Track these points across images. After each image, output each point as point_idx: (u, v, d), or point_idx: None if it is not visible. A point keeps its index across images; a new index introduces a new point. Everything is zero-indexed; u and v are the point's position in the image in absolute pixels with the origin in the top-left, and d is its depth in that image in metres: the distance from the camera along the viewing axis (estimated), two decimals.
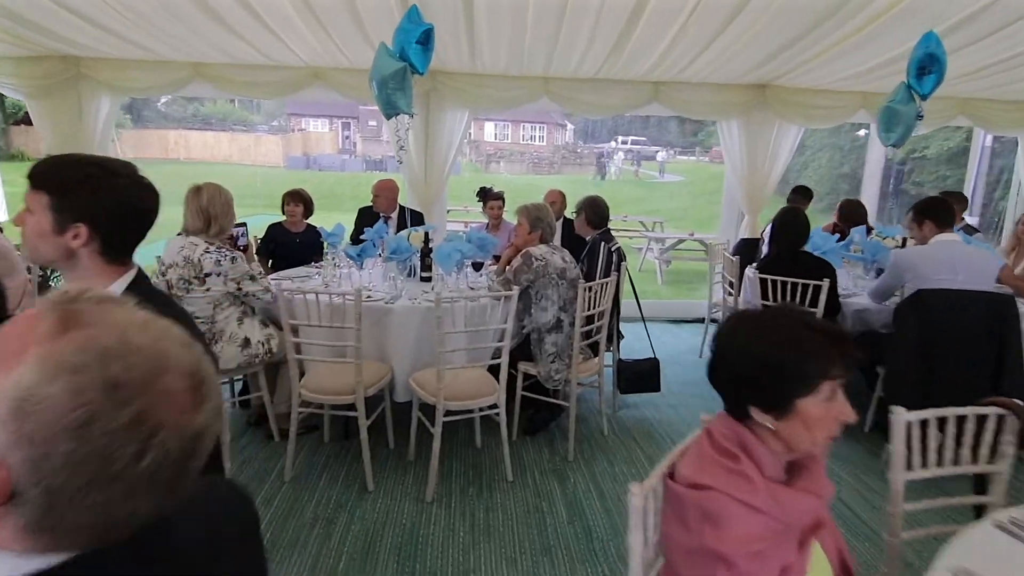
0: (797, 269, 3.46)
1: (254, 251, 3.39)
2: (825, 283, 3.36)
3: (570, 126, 42.71)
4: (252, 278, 3.04)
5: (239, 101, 44.07)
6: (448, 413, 2.76)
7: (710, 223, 16.55)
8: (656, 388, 3.65)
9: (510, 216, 4.79)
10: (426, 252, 3.73)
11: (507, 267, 3.44)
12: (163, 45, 4.66)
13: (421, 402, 2.96)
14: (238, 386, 3.67)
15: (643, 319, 4.08)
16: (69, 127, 5.27)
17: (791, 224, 3.60)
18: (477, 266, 3.72)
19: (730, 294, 4.59)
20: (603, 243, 3.63)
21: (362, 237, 4.19)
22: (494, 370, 2.94)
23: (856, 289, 3.86)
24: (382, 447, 3.24)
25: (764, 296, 3.55)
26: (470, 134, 7.20)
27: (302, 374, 2.91)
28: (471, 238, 3.73)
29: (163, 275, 2.88)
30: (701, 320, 5.65)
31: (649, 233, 10.42)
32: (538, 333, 3.19)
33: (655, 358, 3.68)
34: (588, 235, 3.76)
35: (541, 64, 4.86)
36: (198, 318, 2.88)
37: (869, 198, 6.30)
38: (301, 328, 2.89)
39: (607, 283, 3.28)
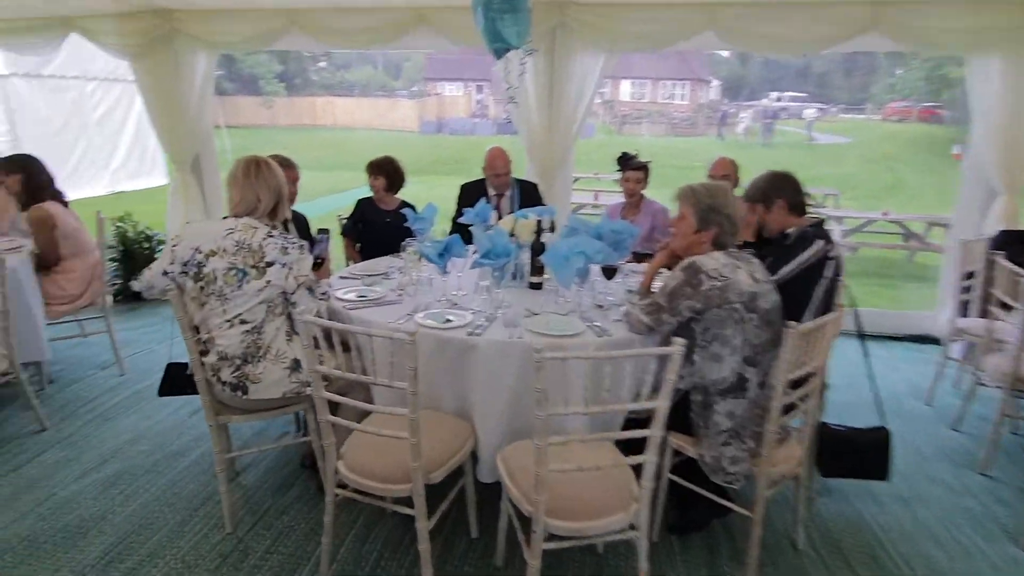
0: None
1: (329, 267, 2.55)
2: None
3: (715, 82, 38.70)
4: (311, 290, 2.21)
5: (382, 66, 45.58)
6: (552, 537, 1.70)
7: (893, 196, 13.64)
8: (882, 475, 2.31)
9: (655, 195, 3.62)
10: (538, 249, 2.66)
11: (652, 281, 2.27)
12: None
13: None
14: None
15: (861, 338, 2.59)
16: (168, 88, 4.87)
17: None
18: (609, 272, 2.57)
19: (989, 313, 3.00)
20: (817, 245, 2.26)
21: (460, 220, 3.22)
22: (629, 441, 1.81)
23: None
24: (461, 534, 2.29)
25: None
26: (603, 92, 5.81)
27: (343, 441, 2.01)
28: (601, 231, 2.58)
29: (197, 265, 2.10)
30: (921, 339, 4.04)
31: (823, 210, 8.41)
32: (703, 394, 2.00)
33: (883, 428, 2.32)
34: (788, 229, 2.40)
35: None
36: (245, 322, 2.11)
37: None
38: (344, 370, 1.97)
39: (831, 322, 1.97)
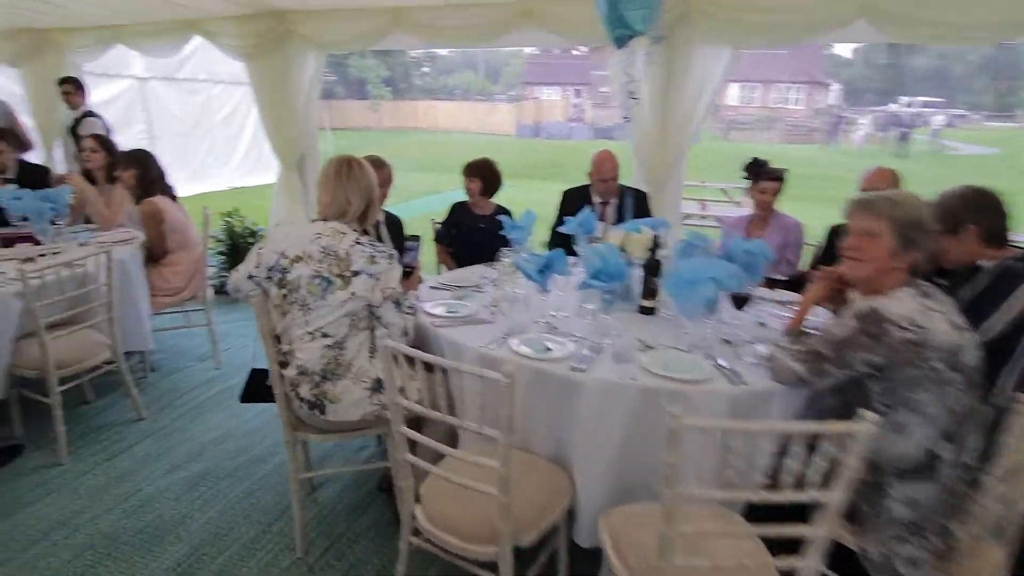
0: None
1: (419, 275, 2.34)
2: None
3: (835, 85, 35.82)
4: (398, 303, 2.00)
5: (483, 72, 46.38)
6: None
7: None
8: None
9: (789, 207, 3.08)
10: (652, 268, 2.30)
11: (804, 318, 1.85)
12: None
13: None
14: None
15: None
16: (279, 88, 4.97)
17: None
18: (740, 300, 2.17)
19: None
20: None
21: (560, 230, 2.92)
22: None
23: None
24: None
25: None
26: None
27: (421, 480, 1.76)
28: (732, 251, 2.18)
29: (282, 271, 1.95)
30: None
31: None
32: (875, 473, 1.54)
33: None
34: (979, 260, 1.90)
35: None
36: (327, 336, 1.94)
37: None
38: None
39: None
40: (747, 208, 3.51)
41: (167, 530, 2.32)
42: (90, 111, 5.28)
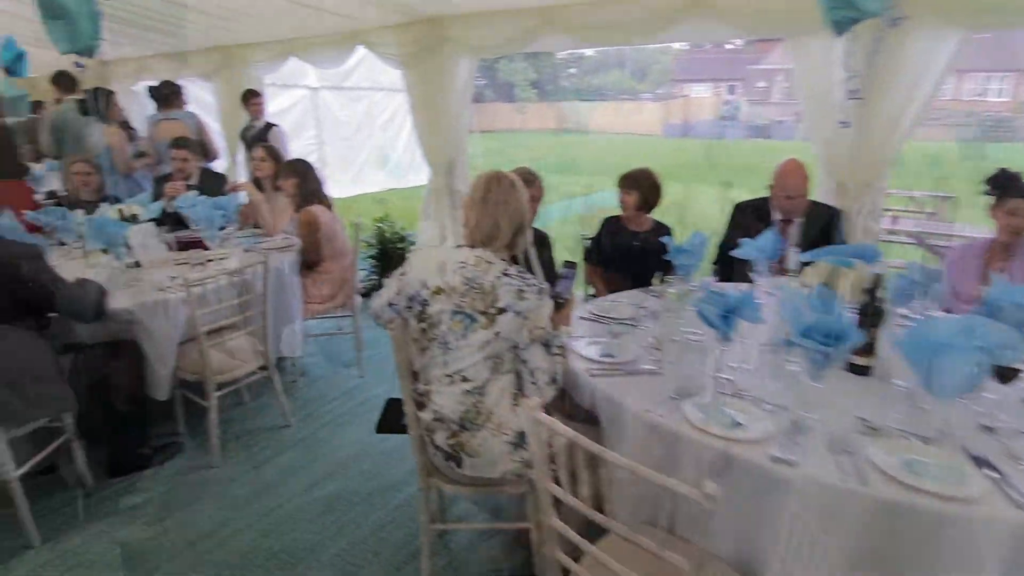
0: None
1: (573, 307, 2.05)
2: None
3: None
4: (548, 344, 1.73)
5: (630, 71, 45.21)
6: None
7: None
8: None
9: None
10: (872, 316, 1.78)
11: None
12: None
13: None
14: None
15: None
16: (433, 94, 4.98)
17: None
18: (1007, 373, 1.58)
19: None
20: None
21: (734, 254, 2.44)
22: None
23: None
24: None
25: None
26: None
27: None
28: (998, 302, 1.60)
29: (422, 303, 1.77)
30: None
31: None
32: None
33: None
34: None
35: None
36: (467, 380, 1.72)
37: None
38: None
39: None
40: (955, 224, 2.75)
41: (300, 557, 2.25)
42: (271, 122, 5.71)
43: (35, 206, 4.01)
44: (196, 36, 5.53)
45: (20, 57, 5.02)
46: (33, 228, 3.54)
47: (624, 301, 2.54)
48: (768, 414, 1.52)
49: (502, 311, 1.69)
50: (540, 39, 4.35)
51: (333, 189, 4.09)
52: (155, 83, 5.35)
